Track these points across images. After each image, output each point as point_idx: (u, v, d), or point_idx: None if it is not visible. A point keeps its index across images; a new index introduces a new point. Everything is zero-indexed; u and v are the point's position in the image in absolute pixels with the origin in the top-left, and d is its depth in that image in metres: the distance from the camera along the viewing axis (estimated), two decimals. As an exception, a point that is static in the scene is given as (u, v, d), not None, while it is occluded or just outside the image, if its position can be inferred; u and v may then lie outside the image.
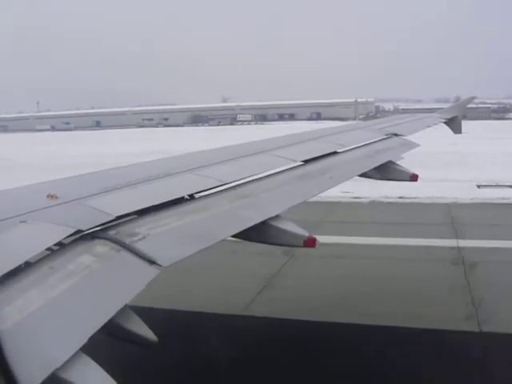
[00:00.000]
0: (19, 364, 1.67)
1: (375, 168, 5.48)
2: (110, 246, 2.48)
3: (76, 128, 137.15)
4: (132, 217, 2.91)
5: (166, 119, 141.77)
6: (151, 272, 2.37)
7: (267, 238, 3.38)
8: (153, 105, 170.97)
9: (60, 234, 2.43)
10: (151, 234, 2.68)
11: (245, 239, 3.33)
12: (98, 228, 2.62)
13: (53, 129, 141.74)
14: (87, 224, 2.58)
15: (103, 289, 2.23)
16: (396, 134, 7.09)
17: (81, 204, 2.85)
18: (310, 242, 3.35)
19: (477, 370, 6.39)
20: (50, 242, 2.35)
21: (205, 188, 3.57)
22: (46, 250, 2.33)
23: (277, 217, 3.41)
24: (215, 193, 3.60)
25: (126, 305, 2.21)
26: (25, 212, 2.59)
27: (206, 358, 6.66)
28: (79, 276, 2.18)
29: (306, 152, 5.18)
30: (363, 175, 5.42)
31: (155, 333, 2.39)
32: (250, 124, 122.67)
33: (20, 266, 2.11)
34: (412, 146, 6.80)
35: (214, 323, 7.82)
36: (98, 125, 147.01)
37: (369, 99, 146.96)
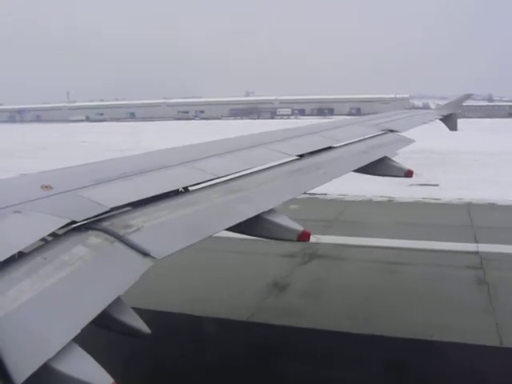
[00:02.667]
0: (12, 354, 1.67)
1: (370, 163, 5.49)
2: (103, 237, 2.48)
3: (111, 119, 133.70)
4: (126, 209, 2.90)
5: (202, 112, 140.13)
6: (145, 264, 2.37)
7: (261, 232, 3.39)
8: (180, 97, 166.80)
9: (54, 224, 2.43)
10: (145, 226, 2.68)
11: (239, 233, 3.33)
12: (93, 219, 2.62)
13: (87, 119, 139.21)
14: (81, 215, 2.58)
15: (97, 280, 2.23)
16: (392, 130, 7.10)
17: (75, 195, 2.85)
18: (304, 236, 3.36)
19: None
20: (44, 232, 2.35)
21: (200, 181, 3.57)
22: (40, 240, 2.33)
23: (271, 211, 3.42)
24: (210, 186, 3.60)
25: (120, 296, 2.22)
26: (19, 202, 2.59)
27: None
28: (73, 267, 2.18)
29: (301, 146, 5.18)
30: (358, 170, 5.43)
31: None
32: (289, 118, 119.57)
33: (14, 256, 2.11)
34: (407, 142, 6.81)
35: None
36: (132, 116, 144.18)
37: (404, 95, 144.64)
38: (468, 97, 13.60)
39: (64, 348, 1.77)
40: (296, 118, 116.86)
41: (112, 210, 2.77)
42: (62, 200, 2.77)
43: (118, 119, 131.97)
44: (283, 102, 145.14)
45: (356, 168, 5.32)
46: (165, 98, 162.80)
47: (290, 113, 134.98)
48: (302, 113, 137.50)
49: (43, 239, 2.36)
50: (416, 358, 6.89)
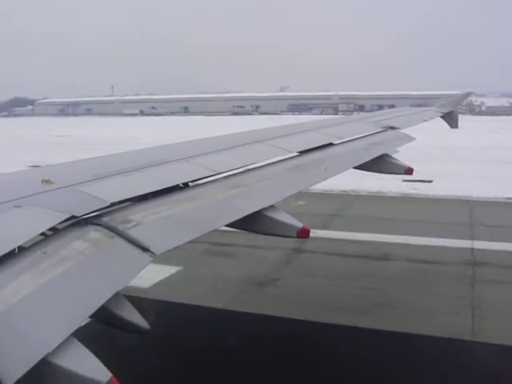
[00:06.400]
0: (11, 348, 1.68)
1: (370, 160, 5.49)
2: (103, 232, 2.48)
3: (166, 113, 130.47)
4: (126, 204, 2.91)
5: (258, 107, 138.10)
6: (144, 259, 2.38)
7: (261, 228, 3.39)
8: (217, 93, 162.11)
9: (54, 219, 2.43)
10: (145, 222, 2.69)
11: (239, 229, 3.34)
12: (92, 214, 2.62)
13: (141, 113, 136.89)
14: (81, 210, 2.58)
15: (96, 275, 2.24)
16: (392, 127, 7.10)
17: (75, 190, 2.85)
18: (304, 233, 3.36)
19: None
20: (44, 227, 2.35)
21: (200, 177, 3.57)
22: (40, 235, 2.34)
23: (271, 207, 3.42)
24: (210, 182, 3.61)
25: (119, 292, 2.22)
26: (19, 197, 2.59)
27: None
28: (72, 262, 2.19)
29: (302, 143, 5.18)
30: (358, 167, 5.43)
31: None
32: (352, 114, 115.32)
33: (13, 250, 2.11)
34: (408, 139, 6.80)
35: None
36: (185, 110, 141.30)
37: (455, 92, 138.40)
38: (468, 95, 13.59)
39: (63, 343, 1.78)
40: (358, 114, 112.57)
41: (112, 205, 2.77)
42: (62, 195, 2.78)
43: (172, 113, 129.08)
44: (342, 98, 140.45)
45: (356, 165, 5.32)
46: (218, 93, 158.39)
47: (352, 109, 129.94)
48: (361, 109, 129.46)
49: (43, 234, 2.37)
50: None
